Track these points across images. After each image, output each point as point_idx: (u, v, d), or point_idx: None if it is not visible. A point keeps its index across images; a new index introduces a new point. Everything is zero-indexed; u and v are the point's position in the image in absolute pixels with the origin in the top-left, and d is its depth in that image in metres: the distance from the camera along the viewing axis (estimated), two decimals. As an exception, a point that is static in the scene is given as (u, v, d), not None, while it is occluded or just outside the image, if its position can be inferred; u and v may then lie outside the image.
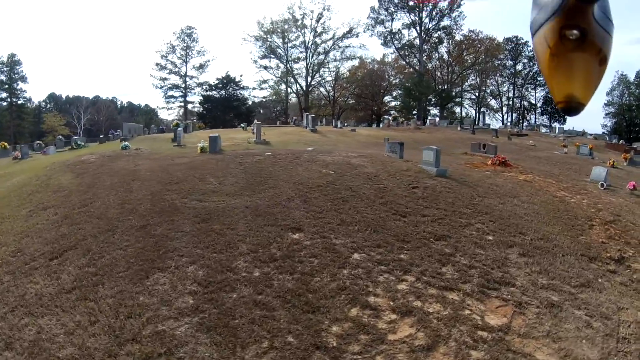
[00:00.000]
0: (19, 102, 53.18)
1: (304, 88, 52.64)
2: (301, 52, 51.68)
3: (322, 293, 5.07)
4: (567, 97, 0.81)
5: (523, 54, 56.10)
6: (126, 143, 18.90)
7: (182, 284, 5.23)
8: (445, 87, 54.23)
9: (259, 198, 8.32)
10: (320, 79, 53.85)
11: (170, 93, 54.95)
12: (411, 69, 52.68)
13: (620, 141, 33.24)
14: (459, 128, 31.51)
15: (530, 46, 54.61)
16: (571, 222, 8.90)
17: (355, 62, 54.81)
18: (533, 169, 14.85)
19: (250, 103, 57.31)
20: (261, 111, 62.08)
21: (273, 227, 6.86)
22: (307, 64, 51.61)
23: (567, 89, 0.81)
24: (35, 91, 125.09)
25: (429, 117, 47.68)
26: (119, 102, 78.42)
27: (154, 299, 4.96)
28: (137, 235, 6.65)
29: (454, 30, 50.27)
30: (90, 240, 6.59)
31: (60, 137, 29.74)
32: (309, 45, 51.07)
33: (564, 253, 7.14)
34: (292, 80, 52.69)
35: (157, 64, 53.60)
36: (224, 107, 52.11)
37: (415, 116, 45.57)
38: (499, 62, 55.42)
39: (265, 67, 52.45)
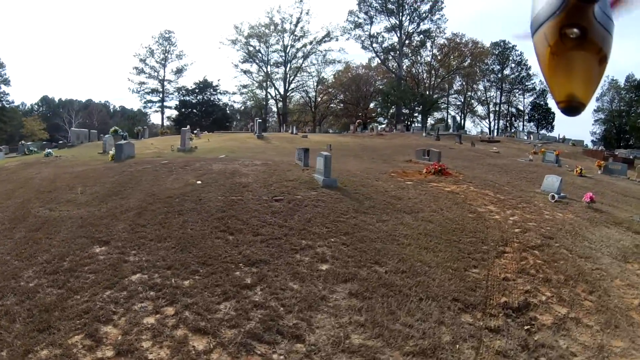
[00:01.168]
0: (2, 104, 51.65)
1: (282, 93, 51.08)
2: (281, 57, 50.31)
3: (67, 313, 4.50)
4: (568, 96, 0.94)
5: (511, 58, 54.39)
6: (49, 150, 19.41)
7: (-31, 289, 5.04)
8: (428, 92, 52.40)
9: (99, 209, 7.72)
10: (299, 83, 52.31)
11: (148, 97, 53.83)
12: (392, 75, 51.03)
13: (600, 147, 31.11)
14: (424, 134, 29.55)
15: (518, 50, 53.02)
16: (471, 247, 6.93)
17: (339, 67, 53.34)
18: (475, 178, 12.93)
19: (238, 107, 55.89)
20: (249, 117, 60.48)
21: (85, 238, 6.33)
22: (285, 69, 50.15)
23: (567, 88, 0.95)
24: (28, 94, 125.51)
25: (414, 124, 45.89)
26: (111, 106, 77.43)
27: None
28: (-24, 242, 6.42)
29: (432, 33, 48.73)
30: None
31: (22, 142, 28.76)
32: (288, 50, 49.71)
33: (425, 296, 5.14)
34: (271, 84, 51.19)
35: (135, 68, 52.69)
36: (201, 112, 50.67)
37: (394, 122, 43.81)
38: (486, 67, 53.71)
39: (245, 72, 51.11)
